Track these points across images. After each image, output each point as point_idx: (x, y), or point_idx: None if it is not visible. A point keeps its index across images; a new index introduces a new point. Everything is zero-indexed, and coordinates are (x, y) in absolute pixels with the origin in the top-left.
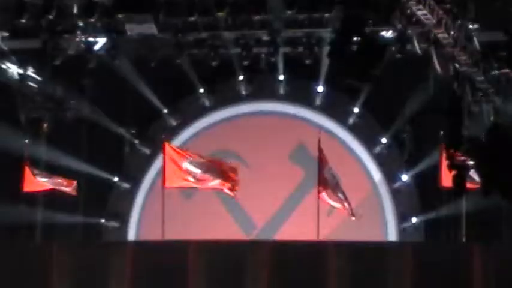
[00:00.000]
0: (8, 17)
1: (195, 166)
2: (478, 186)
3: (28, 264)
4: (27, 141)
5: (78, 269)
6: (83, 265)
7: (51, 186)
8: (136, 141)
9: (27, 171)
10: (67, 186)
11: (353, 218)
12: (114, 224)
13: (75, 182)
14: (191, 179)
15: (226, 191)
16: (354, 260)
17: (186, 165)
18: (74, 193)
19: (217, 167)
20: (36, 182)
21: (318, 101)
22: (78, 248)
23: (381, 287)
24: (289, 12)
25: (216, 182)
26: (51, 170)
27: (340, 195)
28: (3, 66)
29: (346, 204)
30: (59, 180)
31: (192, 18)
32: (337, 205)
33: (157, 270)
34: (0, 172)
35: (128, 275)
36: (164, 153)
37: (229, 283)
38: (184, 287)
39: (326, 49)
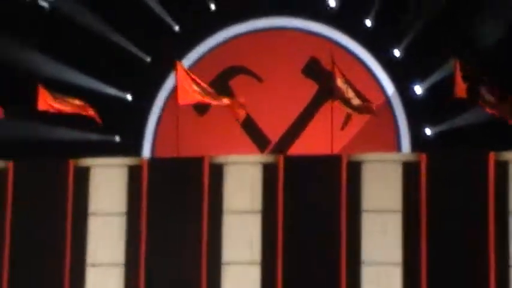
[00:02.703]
0: None
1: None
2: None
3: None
4: (39, 58)
5: (96, 187)
6: (97, 182)
7: (70, 111)
8: (149, 59)
9: (42, 90)
10: (87, 111)
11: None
12: (129, 141)
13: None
14: (202, 96)
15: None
16: (367, 172)
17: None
18: (98, 120)
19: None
20: (52, 104)
21: (329, 15)
22: (94, 166)
23: (395, 198)
24: None
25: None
26: (64, 88)
27: (356, 101)
28: None
29: (362, 103)
30: (77, 102)
31: None
32: (354, 109)
33: (173, 186)
34: (13, 88)
35: (144, 191)
36: (177, 72)
37: (244, 197)
38: (199, 203)
39: None
